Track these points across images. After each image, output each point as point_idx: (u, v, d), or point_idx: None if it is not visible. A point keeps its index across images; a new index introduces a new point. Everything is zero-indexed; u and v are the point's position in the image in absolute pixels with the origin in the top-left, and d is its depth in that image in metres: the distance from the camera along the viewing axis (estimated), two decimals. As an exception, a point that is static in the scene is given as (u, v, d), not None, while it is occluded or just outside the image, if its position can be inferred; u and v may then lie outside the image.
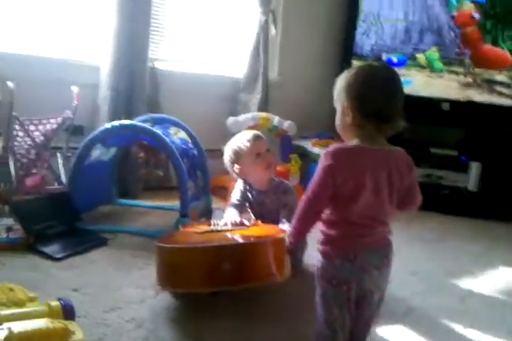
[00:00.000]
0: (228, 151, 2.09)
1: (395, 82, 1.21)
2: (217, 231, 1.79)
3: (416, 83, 3.38)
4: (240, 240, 1.67)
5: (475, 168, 3.19)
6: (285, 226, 1.89)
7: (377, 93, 1.17)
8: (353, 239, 1.22)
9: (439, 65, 3.38)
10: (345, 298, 1.23)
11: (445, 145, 3.35)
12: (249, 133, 2.10)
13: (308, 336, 1.38)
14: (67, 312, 1.36)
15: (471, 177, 3.20)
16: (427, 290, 1.99)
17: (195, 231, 1.81)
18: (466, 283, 2.13)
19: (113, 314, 1.58)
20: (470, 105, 3.37)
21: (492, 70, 3.35)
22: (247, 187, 2.11)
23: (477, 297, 2.01)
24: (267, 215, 2.04)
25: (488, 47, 3.36)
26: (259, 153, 2.04)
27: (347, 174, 1.19)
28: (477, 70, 3.36)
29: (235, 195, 2.12)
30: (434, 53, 3.38)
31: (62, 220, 2.19)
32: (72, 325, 1.29)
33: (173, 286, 1.67)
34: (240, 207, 2.07)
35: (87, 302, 1.63)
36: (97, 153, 2.39)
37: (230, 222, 1.87)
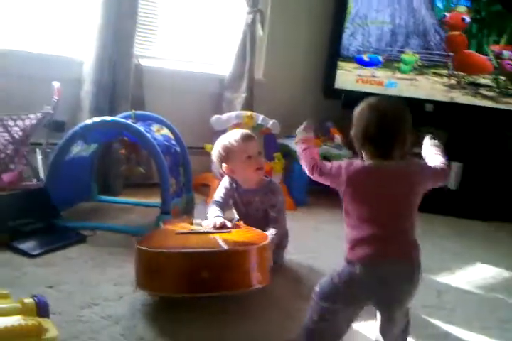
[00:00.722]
0: (218, 148, 2.01)
1: (390, 117, 1.35)
2: (199, 233, 1.75)
3: (401, 84, 3.40)
4: (223, 245, 1.61)
5: (456, 168, 3.24)
6: (270, 232, 1.88)
7: (370, 126, 1.34)
8: (372, 245, 1.29)
9: (407, 68, 3.41)
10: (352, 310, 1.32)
11: (427, 146, 3.38)
12: (242, 132, 2.02)
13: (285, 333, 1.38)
14: (41, 309, 1.32)
15: (452, 177, 3.25)
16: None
17: (176, 232, 1.76)
18: (444, 279, 2.16)
19: (89, 311, 1.56)
20: (453, 106, 3.40)
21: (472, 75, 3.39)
22: (234, 186, 2.04)
23: (454, 292, 2.04)
24: (252, 214, 2.01)
25: (469, 52, 3.39)
26: (251, 156, 1.97)
27: (353, 187, 1.34)
28: (462, 73, 3.40)
29: (219, 193, 2.05)
30: (410, 56, 3.40)
31: (40, 217, 2.14)
32: (45, 322, 1.26)
33: (151, 289, 1.63)
34: (223, 205, 2.01)
35: (62, 300, 1.60)
36: (78, 148, 2.35)
37: (212, 223, 1.81)
